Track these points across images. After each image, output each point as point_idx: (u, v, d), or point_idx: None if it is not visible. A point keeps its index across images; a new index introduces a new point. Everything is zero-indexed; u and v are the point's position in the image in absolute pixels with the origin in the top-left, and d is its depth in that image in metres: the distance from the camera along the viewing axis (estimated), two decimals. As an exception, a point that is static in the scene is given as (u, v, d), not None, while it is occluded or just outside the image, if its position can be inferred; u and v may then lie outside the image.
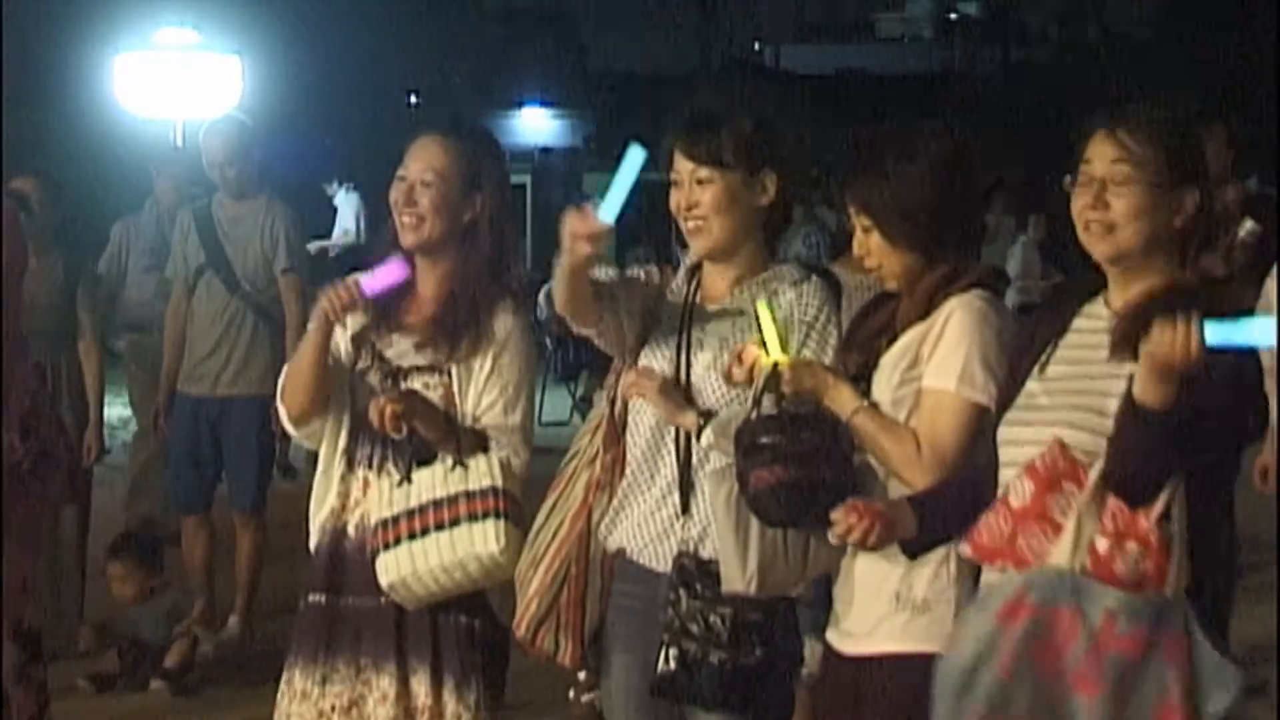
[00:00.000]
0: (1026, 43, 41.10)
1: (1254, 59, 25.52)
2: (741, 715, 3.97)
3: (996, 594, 3.36)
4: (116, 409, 14.48)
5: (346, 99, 23.68)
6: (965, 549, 3.51)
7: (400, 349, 4.44)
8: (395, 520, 4.29)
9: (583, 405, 14.00)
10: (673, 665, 3.96)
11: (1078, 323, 3.57)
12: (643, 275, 4.27)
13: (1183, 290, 3.38)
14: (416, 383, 4.40)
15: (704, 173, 4.09)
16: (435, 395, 4.38)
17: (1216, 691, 3.25)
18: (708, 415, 4.03)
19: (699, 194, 4.09)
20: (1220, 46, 27.67)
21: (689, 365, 4.09)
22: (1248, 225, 7.86)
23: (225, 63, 15.51)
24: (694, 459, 4.06)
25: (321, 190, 18.63)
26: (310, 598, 4.48)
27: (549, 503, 4.27)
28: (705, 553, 3.98)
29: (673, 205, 4.15)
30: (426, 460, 4.33)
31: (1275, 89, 20.94)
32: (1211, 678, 3.26)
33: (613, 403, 4.21)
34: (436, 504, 4.27)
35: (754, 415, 3.79)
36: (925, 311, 3.85)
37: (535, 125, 33.61)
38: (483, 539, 4.22)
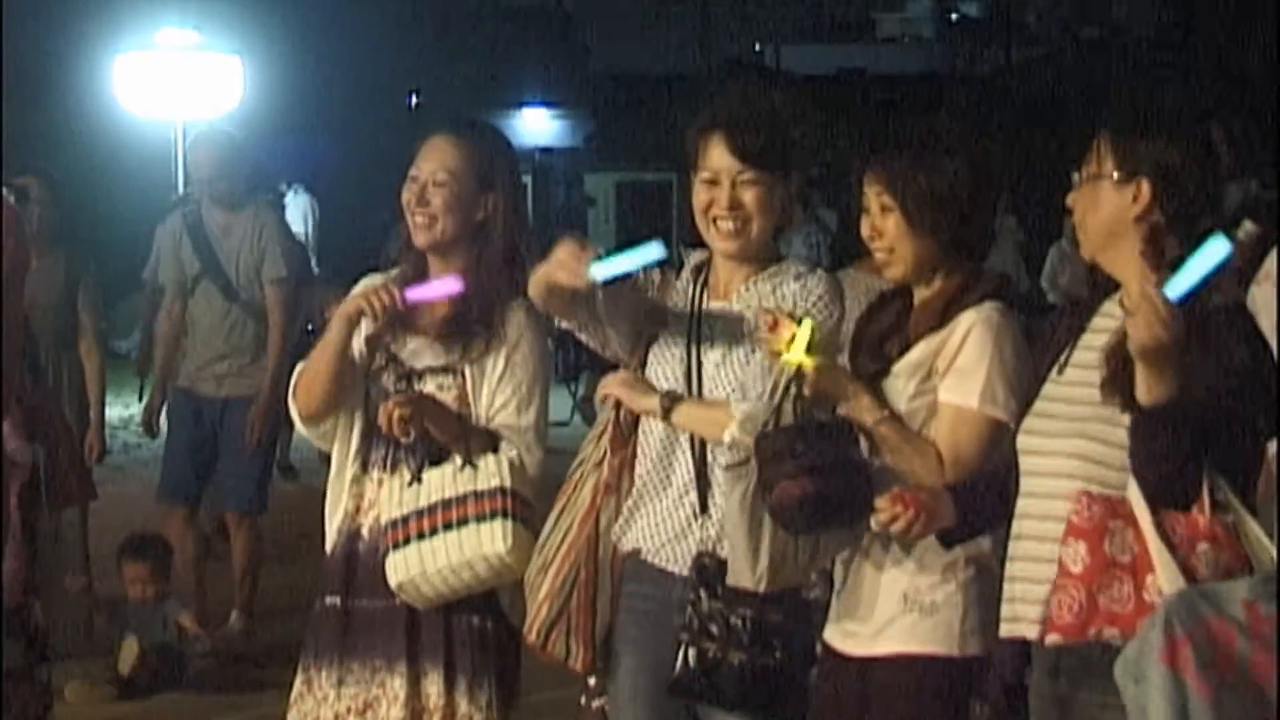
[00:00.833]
0: (1027, 43, 41.08)
1: (1257, 58, 25.52)
2: (761, 716, 3.96)
3: (1143, 646, 3.25)
4: (117, 409, 14.51)
5: (347, 99, 23.67)
6: (1054, 639, 3.42)
7: (414, 350, 4.43)
8: (405, 520, 4.29)
9: (583, 405, 14.00)
10: (692, 665, 3.94)
11: (1095, 321, 3.57)
12: (641, 278, 4.22)
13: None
14: (430, 383, 4.39)
15: (750, 173, 4.05)
16: (449, 396, 4.37)
17: None
18: (672, 397, 4.02)
19: (743, 194, 4.05)
20: (1223, 45, 27.67)
21: (699, 364, 4.08)
22: (1246, 226, 7.85)
23: (226, 63, 15.52)
24: (709, 457, 4.04)
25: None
26: (325, 600, 4.47)
27: (558, 507, 4.26)
28: (725, 552, 3.97)
29: (703, 202, 4.09)
30: (438, 461, 4.33)
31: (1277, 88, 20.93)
32: None
33: (617, 406, 4.20)
34: (445, 504, 4.27)
35: (774, 423, 3.76)
36: (940, 322, 3.84)
37: (536, 125, 33.60)
38: (490, 539, 4.22)
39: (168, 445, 7.99)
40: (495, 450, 4.32)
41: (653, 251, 3.97)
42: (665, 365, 4.12)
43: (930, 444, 3.79)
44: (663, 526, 4.08)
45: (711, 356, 4.07)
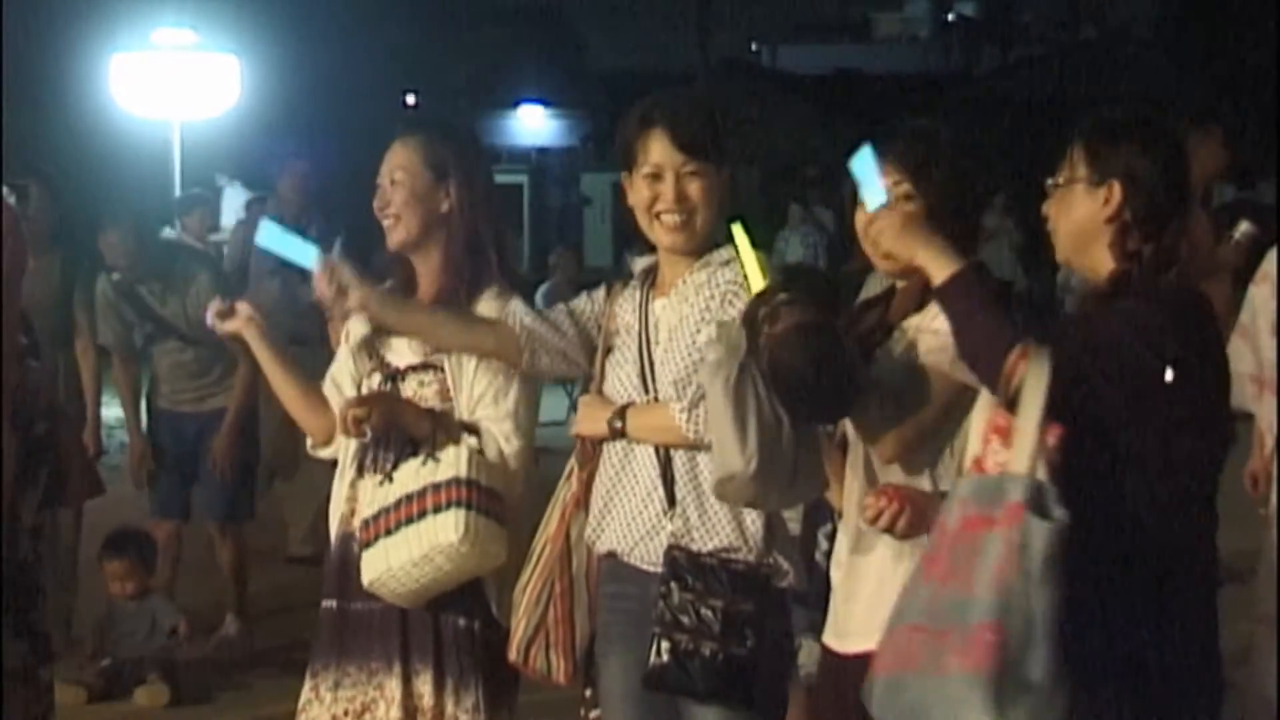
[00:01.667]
0: (1024, 43, 41.12)
1: (1254, 58, 25.53)
2: (735, 706, 3.96)
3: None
4: (114, 409, 14.48)
5: (344, 99, 23.67)
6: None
7: (396, 349, 4.46)
8: (375, 519, 4.31)
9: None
10: (665, 658, 3.94)
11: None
12: (582, 304, 4.24)
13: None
14: (413, 381, 4.41)
15: (694, 165, 4.05)
16: (430, 391, 4.39)
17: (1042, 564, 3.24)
18: (620, 416, 4.02)
19: (687, 186, 4.04)
20: (1220, 46, 27.69)
21: (651, 364, 4.06)
22: (1243, 226, 7.87)
23: (223, 63, 15.52)
24: (670, 452, 4.05)
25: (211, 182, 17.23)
26: (324, 603, 4.49)
27: (540, 532, 4.28)
28: (695, 545, 3.98)
29: (645, 199, 4.06)
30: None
31: (1276, 88, 20.95)
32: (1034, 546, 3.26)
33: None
34: (408, 499, 4.28)
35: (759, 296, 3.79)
36: (919, 305, 3.85)
37: (533, 125, 33.61)
38: (444, 530, 4.21)
39: (156, 464, 7.98)
40: (463, 440, 4.33)
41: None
42: (621, 371, 4.11)
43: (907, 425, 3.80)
44: (634, 525, 4.08)
45: (658, 354, 4.07)
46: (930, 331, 3.81)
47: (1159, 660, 3.42)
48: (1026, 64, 36.59)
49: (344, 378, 4.53)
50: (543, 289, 16.06)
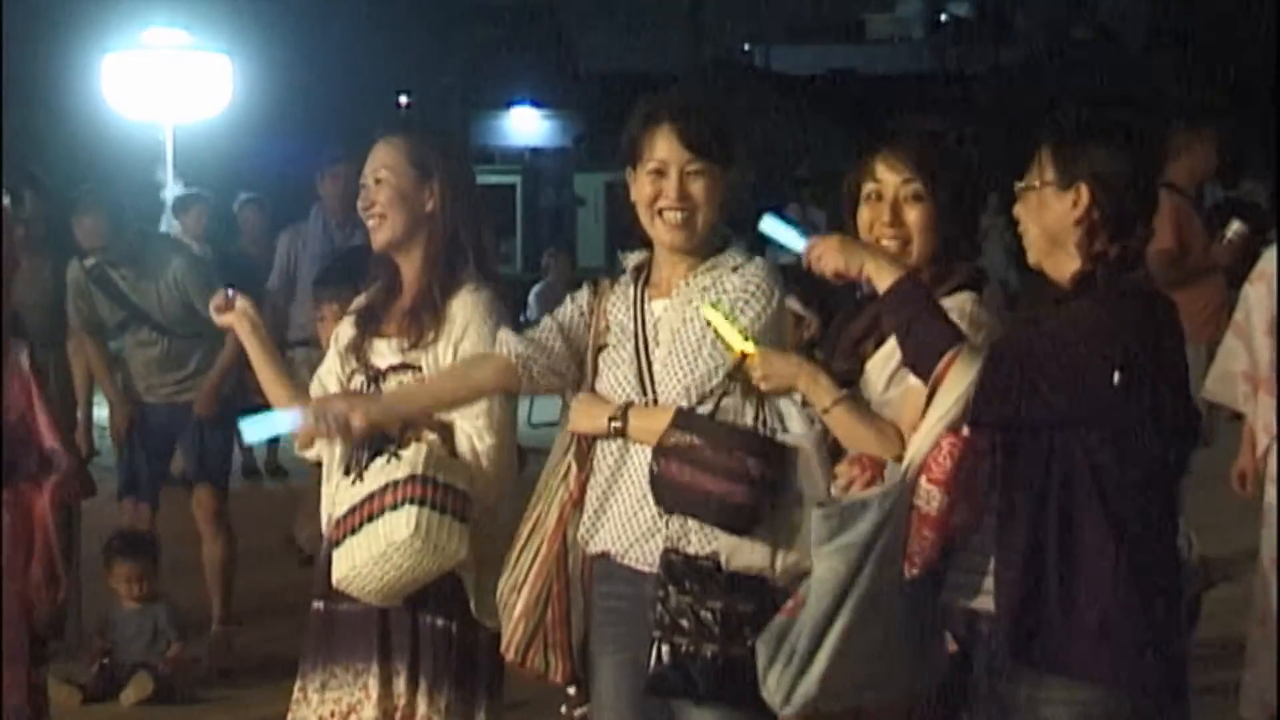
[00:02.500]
0: (1017, 43, 41.14)
1: (1248, 60, 25.55)
2: (736, 707, 3.95)
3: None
4: (104, 409, 14.47)
5: (337, 99, 23.67)
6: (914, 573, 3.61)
7: (380, 350, 4.46)
8: (345, 517, 4.32)
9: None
10: (665, 661, 3.94)
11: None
12: (569, 312, 4.23)
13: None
14: (393, 381, 4.41)
15: (699, 163, 4.05)
16: None
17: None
18: (621, 414, 4.02)
19: (691, 184, 4.05)
20: (1213, 47, 27.72)
21: (649, 364, 4.06)
22: (1235, 225, 7.87)
23: (215, 63, 15.48)
24: None
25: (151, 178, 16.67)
26: (313, 605, 4.49)
27: (528, 525, 4.25)
28: (691, 548, 3.97)
29: (648, 195, 4.06)
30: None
31: (1270, 90, 20.96)
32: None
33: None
34: (369, 497, 4.28)
35: (711, 412, 3.86)
36: None
37: (525, 126, 33.62)
38: (395, 527, 4.21)
39: (125, 446, 7.91)
40: (435, 437, 4.32)
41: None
42: (617, 370, 4.10)
43: (890, 424, 3.79)
44: (629, 527, 4.07)
45: (659, 355, 4.06)
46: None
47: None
48: (1019, 65, 36.62)
49: (330, 379, 4.53)
50: (536, 289, 16.05)
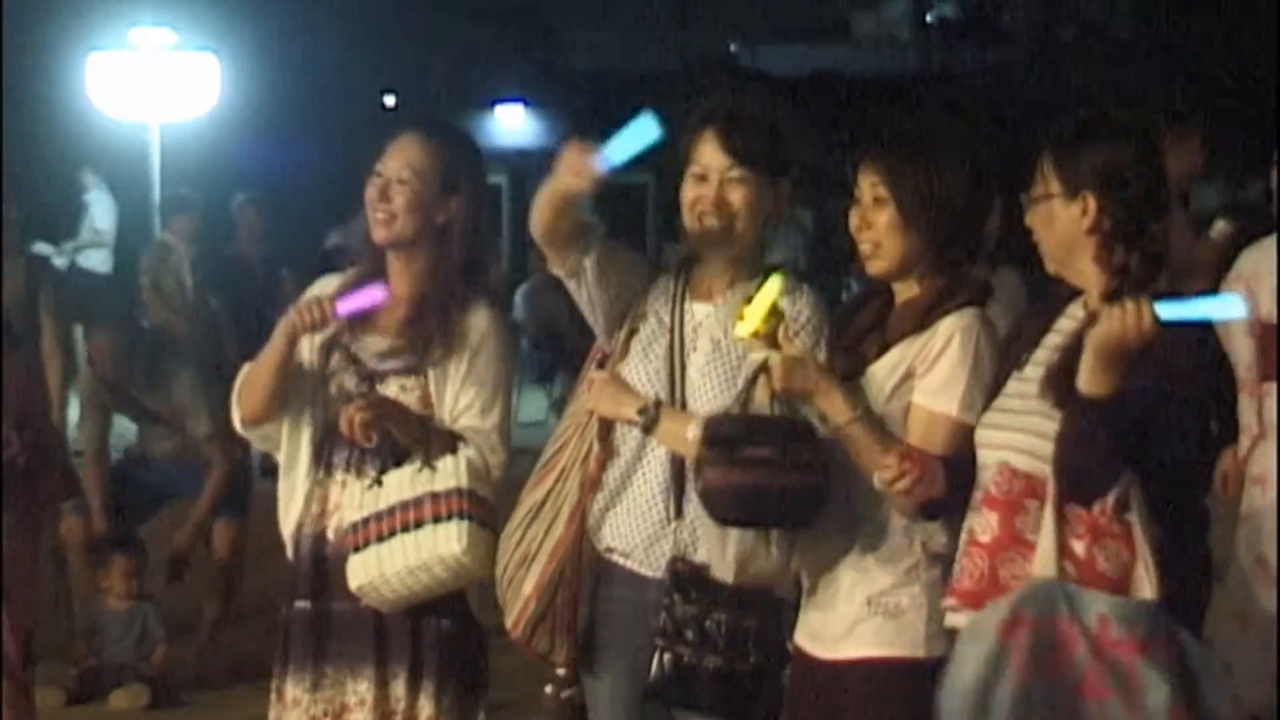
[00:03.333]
0: (1004, 44, 41.12)
1: (1235, 60, 25.57)
2: (734, 720, 3.96)
3: (992, 613, 3.36)
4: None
5: (323, 98, 23.62)
6: (950, 602, 3.52)
7: (374, 351, 4.42)
8: (365, 523, 4.28)
9: (560, 406, 13.97)
10: (667, 671, 3.93)
11: (1059, 323, 3.61)
12: (637, 257, 4.22)
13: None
14: (393, 385, 4.38)
15: (739, 171, 4.04)
16: (412, 398, 4.36)
17: (1212, 687, 3.27)
18: (652, 411, 3.99)
19: (730, 192, 4.05)
20: (1200, 47, 27.73)
21: (683, 368, 4.06)
22: (1219, 225, 7.87)
23: (201, 62, 15.46)
24: (687, 462, 4.03)
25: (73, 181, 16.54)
26: (295, 604, 4.45)
27: (535, 498, 4.21)
28: (699, 557, 3.96)
29: (690, 199, 4.07)
30: (400, 463, 4.31)
31: (1256, 90, 20.98)
32: (1206, 672, 3.29)
33: None
34: (404, 506, 4.25)
35: (740, 410, 3.77)
36: (921, 325, 3.82)
37: (512, 125, 33.52)
38: (446, 540, 4.20)
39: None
40: (455, 451, 4.30)
41: (649, 128, 3.90)
42: (648, 364, 4.09)
43: (904, 449, 3.75)
44: (637, 528, 4.06)
45: (695, 361, 4.05)
46: (926, 391, 3.78)
47: None
48: (1006, 65, 36.59)
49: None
50: (522, 289, 16.04)
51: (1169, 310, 3.26)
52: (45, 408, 6.38)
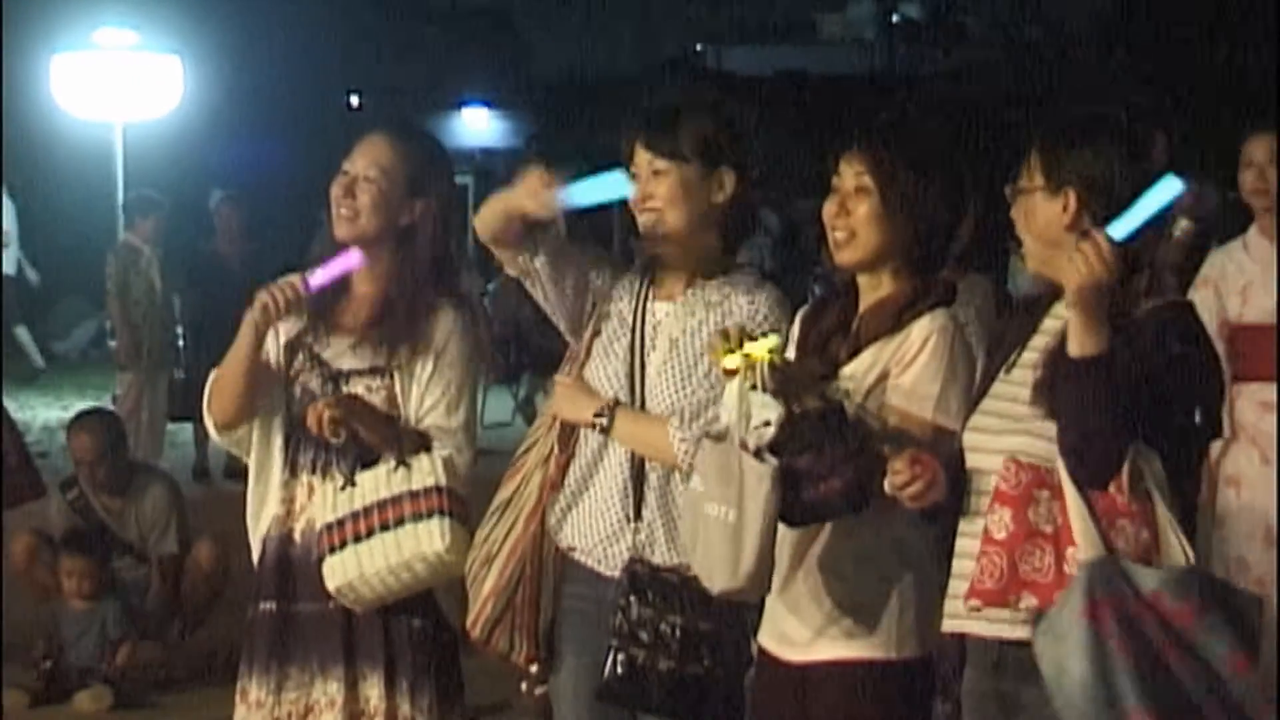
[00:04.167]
0: (969, 44, 41.21)
1: (1202, 61, 25.66)
2: (688, 721, 3.96)
3: (1066, 605, 3.33)
4: (55, 410, 14.40)
5: (287, 99, 23.57)
6: (975, 603, 3.49)
7: (338, 351, 4.41)
8: (340, 524, 4.26)
9: (525, 407, 13.98)
10: (620, 671, 3.93)
11: (1045, 324, 3.62)
12: (595, 255, 4.22)
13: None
14: (359, 385, 4.37)
15: (660, 164, 4.05)
16: (378, 398, 4.35)
17: (1269, 635, 3.37)
18: (609, 412, 3.99)
19: (654, 185, 4.06)
20: (1168, 48, 27.81)
21: (643, 366, 4.06)
22: (1183, 223, 7.89)
23: (165, 63, 15.43)
24: (645, 465, 4.03)
25: None
26: (260, 606, 4.44)
27: (501, 498, 4.23)
28: (656, 559, 3.96)
29: (631, 199, 4.10)
30: (370, 463, 4.31)
31: (1224, 91, 21.06)
32: (1259, 621, 3.34)
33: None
34: (380, 505, 4.24)
35: (798, 417, 3.66)
36: (894, 326, 3.80)
37: (477, 126, 33.48)
38: (428, 538, 4.20)
39: None
40: (427, 450, 4.29)
41: (618, 183, 3.95)
42: (609, 364, 4.10)
43: (912, 449, 3.74)
44: (595, 527, 4.07)
45: (654, 360, 4.06)
46: (902, 393, 3.76)
47: None
48: (972, 66, 36.65)
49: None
50: (490, 288, 16.01)
51: (1119, 228, 3.35)
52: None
